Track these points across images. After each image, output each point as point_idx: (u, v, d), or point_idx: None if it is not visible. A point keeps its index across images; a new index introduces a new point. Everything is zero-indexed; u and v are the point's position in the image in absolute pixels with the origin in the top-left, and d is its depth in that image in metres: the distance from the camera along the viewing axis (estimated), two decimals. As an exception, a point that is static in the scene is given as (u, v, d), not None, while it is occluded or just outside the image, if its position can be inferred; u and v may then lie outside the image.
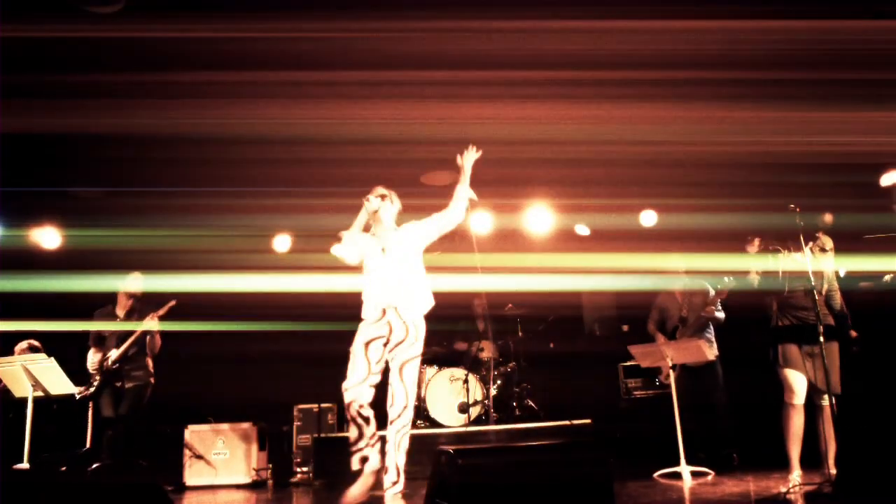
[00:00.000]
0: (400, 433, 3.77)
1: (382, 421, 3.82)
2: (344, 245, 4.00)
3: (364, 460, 3.76)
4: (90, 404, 5.20)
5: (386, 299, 3.88)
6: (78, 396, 5.05)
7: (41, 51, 4.22)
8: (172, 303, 5.23)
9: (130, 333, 5.17)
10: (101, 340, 5.26)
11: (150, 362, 5.32)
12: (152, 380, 5.30)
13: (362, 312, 3.94)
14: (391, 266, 3.93)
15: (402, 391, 3.81)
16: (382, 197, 4.03)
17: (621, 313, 8.01)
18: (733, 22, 4.13)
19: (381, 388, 3.88)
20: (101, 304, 5.42)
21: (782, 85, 4.76)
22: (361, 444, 3.76)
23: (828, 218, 4.18)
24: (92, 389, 5.09)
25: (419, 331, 3.92)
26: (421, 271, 4.04)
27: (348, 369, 3.80)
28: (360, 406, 3.73)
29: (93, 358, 5.21)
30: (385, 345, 3.85)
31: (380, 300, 3.89)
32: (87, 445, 5.16)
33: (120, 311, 5.35)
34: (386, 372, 3.88)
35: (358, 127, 5.04)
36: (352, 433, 3.78)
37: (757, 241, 4.20)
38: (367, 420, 3.75)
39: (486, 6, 4.03)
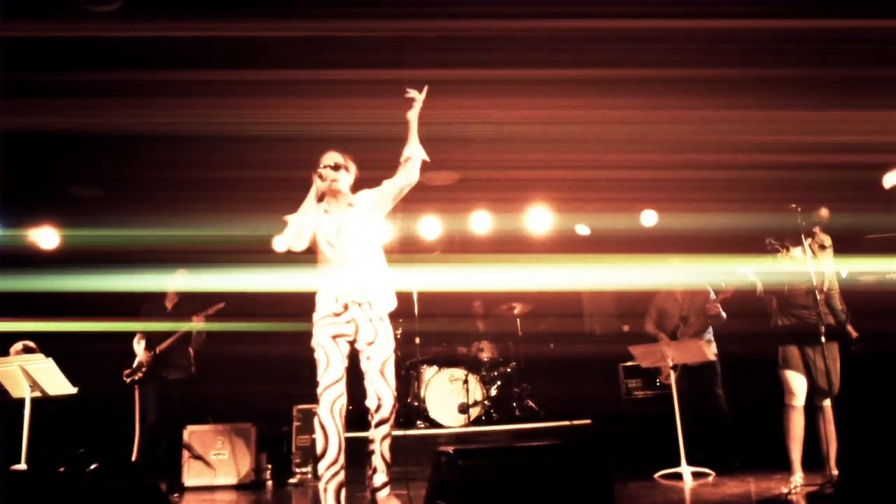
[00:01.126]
0: (387, 435, 3.50)
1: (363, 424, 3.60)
2: (288, 232, 3.50)
3: (341, 487, 3.37)
4: (136, 393, 5.24)
5: (348, 293, 3.48)
6: (127, 380, 5.20)
7: (41, 51, 4.22)
8: (221, 305, 5.32)
9: (167, 315, 5.37)
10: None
11: (191, 352, 5.46)
12: (193, 369, 5.44)
13: (318, 303, 3.53)
14: (349, 250, 3.51)
15: (387, 390, 3.48)
16: (337, 167, 3.54)
17: (621, 313, 8.00)
18: (733, 22, 4.13)
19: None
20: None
21: (783, 84, 4.76)
22: (338, 465, 3.36)
23: (824, 212, 4.14)
24: (140, 375, 5.20)
25: (388, 329, 3.56)
26: (380, 256, 3.62)
27: (319, 367, 3.42)
28: (342, 408, 3.40)
29: (138, 345, 5.35)
30: (351, 343, 3.51)
31: (341, 293, 3.47)
32: (136, 445, 5.20)
33: (168, 304, 5.50)
34: (355, 370, 3.56)
35: (356, 126, 5.03)
36: (329, 449, 3.33)
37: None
38: (342, 429, 3.40)
39: (485, 5, 4.03)
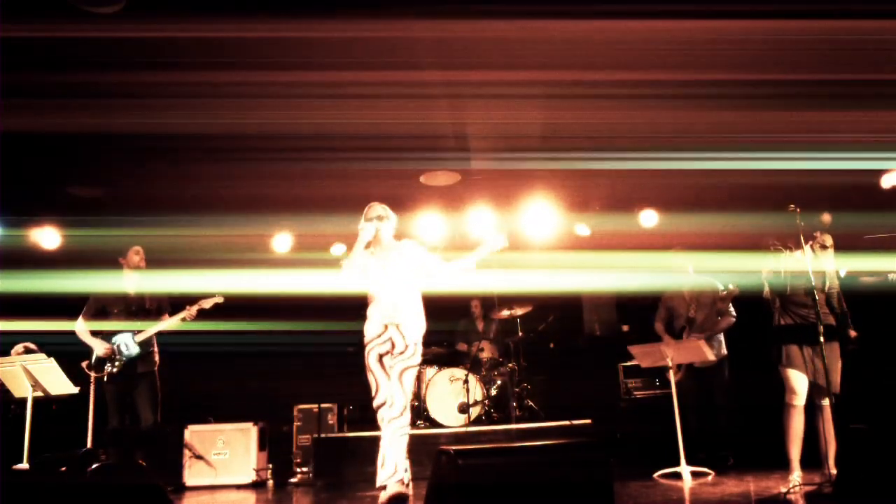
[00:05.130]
0: (398, 432, 3.79)
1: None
2: (345, 273, 4.01)
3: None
4: (92, 388, 4.98)
5: (388, 316, 3.97)
6: (104, 375, 4.90)
7: (41, 51, 4.22)
8: (219, 299, 5.10)
9: (143, 310, 5.09)
10: (102, 313, 5.09)
11: (154, 340, 5.14)
12: (157, 357, 5.15)
13: (365, 331, 4.02)
14: (393, 283, 4.01)
15: (402, 394, 3.86)
16: (379, 218, 4.07)
17: (621, 313, 8.01)
18: (734, 22, 4.13)
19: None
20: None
21: (783, 85, 4.76)
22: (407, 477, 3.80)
23: (826, 218, 4.19)
24: (114, 368, 4.89)
25: (418, 347, 4.02)
26: (419, 293, 4.10)
27: (372, 390, 3.90)
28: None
29: (94, 339, 4.98)
30: (390, 356, 3.96)
31: (382, 317, 3.97)
32: (88, 444, 5.07)
33: (131, 290, 5.18)
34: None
35: (357, 126, 5.04)
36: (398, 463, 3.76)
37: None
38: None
39: (487, 5, 4.02)
